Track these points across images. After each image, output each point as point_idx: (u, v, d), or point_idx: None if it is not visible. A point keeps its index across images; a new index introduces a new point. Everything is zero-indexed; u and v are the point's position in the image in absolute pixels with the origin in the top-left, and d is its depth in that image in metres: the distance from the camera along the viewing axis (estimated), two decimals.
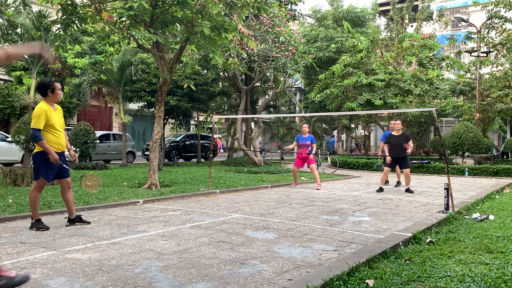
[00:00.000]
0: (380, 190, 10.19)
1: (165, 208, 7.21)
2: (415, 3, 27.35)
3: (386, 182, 11.50)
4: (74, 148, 15.36)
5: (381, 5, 32.73)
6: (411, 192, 9.83)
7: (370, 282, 3.32)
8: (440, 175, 15.57)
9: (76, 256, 4.13)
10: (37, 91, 5.54)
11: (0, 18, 13.97)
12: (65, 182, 5.54)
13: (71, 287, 3.28)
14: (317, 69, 22.50)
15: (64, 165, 5.43)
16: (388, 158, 10.13)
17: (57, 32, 9.32)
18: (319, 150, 22.94)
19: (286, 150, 13.75)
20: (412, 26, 27.22)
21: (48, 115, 5.20)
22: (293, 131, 31.59)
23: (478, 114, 19.67)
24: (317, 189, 10.68)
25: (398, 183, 11.51)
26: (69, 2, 8.77)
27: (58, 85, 5.33)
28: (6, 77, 23.70)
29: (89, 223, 5.71)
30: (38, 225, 5.34)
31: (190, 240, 4.88)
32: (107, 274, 3.58)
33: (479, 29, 18.98)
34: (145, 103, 19.85)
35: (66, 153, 5.63)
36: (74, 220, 5.63)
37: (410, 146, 10.03)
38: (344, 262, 3.74)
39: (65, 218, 5.78)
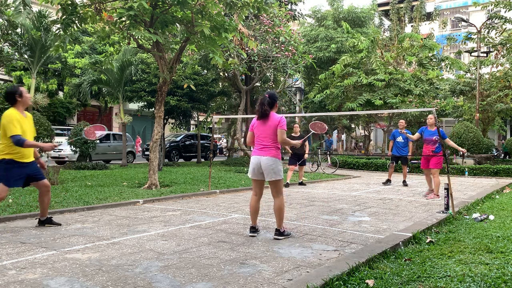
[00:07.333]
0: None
1: (165, 208, 7.20)
2: (414, 3, 27.29)
3: (389, 181, 11.74)
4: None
5: (380, 5, 32.70)
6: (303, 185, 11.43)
7: (370, 282, 3.32)
8: (440, 175, 15.51)
9: (76, 256, 4.13)
10: (5, 100, 5.33)
11: (0, 18, 13.97)
12: (42, 184, 5.39)
13: (71, 287, 3.28)
14: (317, 69, 22.49)
15: (35, 171, 5.33)
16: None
17: (57, 32, 9.32)
18: (319, 150, 22.93)
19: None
20: (412, 25, 27.22)
21: (20, 121, 5.07)
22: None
23: (478, 114, 19.67)
24: (427, 198, 8.94)
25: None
26: (69, 2, 8.77)
27: (24, 89, 5.26)
28: (6, 77, 23.69)
29: (59, 224, 5.58)
30: None
31: (190, 240, 4.88)
32: (107, 274, 3.58)
33: (479, 29, 18.98)
34: (145, 103, 19.85)
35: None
36: (45, 222, 5.53)
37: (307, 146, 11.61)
38: (344, 262, 3.74)
39: (35, 219, 5.80)
